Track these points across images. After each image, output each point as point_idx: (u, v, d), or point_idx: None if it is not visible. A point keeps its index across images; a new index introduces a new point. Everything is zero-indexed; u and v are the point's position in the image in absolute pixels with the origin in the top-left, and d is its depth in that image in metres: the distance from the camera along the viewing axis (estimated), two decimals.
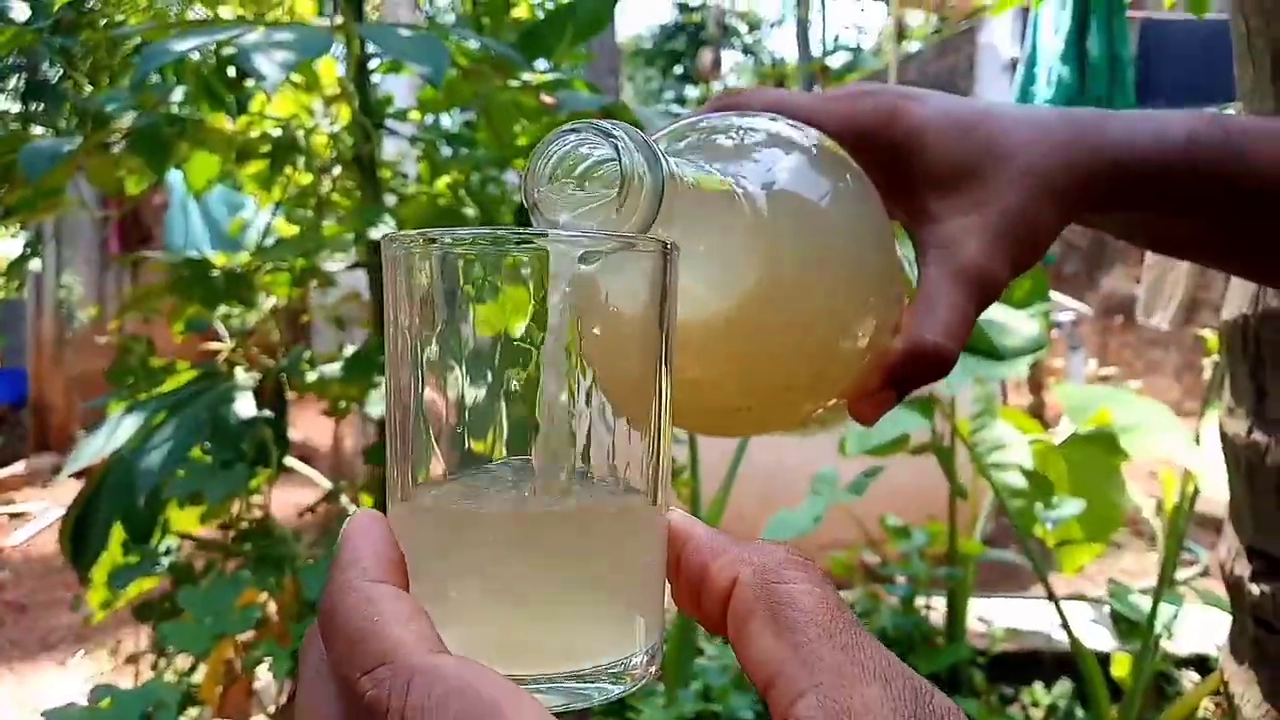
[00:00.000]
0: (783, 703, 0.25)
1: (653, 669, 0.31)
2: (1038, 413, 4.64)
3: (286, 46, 1.04)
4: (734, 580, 0.29)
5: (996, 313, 1.91)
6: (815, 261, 0.42)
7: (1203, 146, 0.47)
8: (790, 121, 0.46)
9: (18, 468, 5.19)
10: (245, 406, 1.21)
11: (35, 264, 5.24)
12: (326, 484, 1.47)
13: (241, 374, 1.28)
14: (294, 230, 1.65)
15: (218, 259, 1.28)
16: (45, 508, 4.66)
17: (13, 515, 4.55)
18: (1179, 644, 2.14)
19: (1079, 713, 1.94)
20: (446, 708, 0.23)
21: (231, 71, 1.44)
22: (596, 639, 0.30)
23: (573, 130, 0.35)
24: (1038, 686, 2.04)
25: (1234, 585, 1.03)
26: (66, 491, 5.00)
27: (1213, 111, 0.53)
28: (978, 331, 1.91)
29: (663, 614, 0.32)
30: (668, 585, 0.33)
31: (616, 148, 0.33)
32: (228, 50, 1.38)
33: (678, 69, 20.25)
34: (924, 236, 0.47)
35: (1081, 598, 2.49)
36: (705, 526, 0.32)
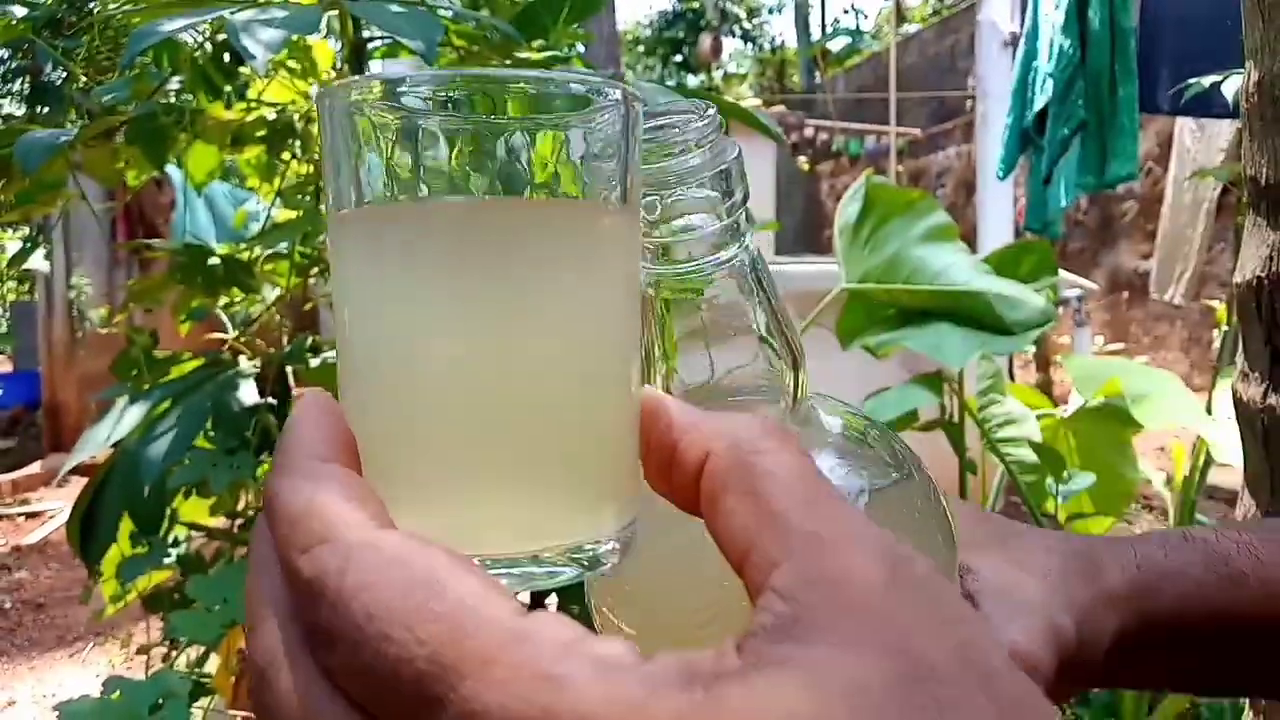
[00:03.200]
0: (758, 575, 0.23)
1: (624, 552, 0.29)
2: (1046, 389, 4.63)
3: (276, 25, 1.02)
4: (706, 453, 0.27)
5: (1003, 287, 1.90)
6: None
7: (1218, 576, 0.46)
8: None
9: (33, 468, 5.24)
10: (248, 394, 1.21)
11: (44, 265, 5.25)
12: None
13: (244, 362, 1.27)
14: (289, 215, 1.65)
15: (219, 247, 1.27)
16: (61, 507, 4.69)
17: (29, 515, 4.59)
18: None
19: (1092, 689, 1.93)
20: (386, 583, 0.22)
21: (228, 58, 1.43)
22: (561, 512, 0.28)
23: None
24: None
25: None
26: (69, 475, 5.01)
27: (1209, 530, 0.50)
28: (984, 306, 1.90)
29: (638, 494, 0.30)
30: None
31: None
32: (222, 36, 1.37)
33: (678, 57, 20.20)
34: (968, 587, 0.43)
35: None
36: (676, 401, 0.30)
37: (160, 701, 1.12)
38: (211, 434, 1.20)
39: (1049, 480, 2.02)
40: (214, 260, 1.21)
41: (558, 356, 0.27)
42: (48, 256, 5.12)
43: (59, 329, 5.69)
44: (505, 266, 0.26)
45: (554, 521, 0.28)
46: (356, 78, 0.28)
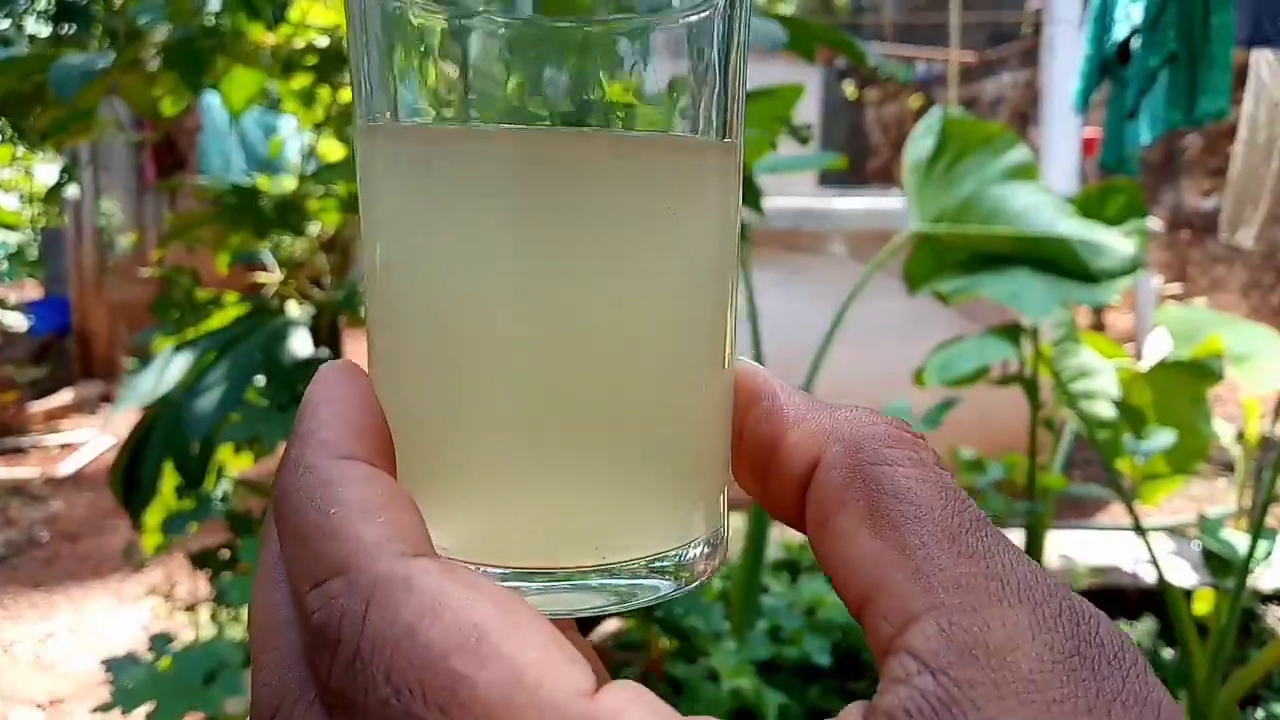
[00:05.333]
0: (887, 627, 0.19)
1: (715, 562, 0.24)
2: (1099, 331, 4.49)
3: None
4: (816, 458, 0.22)
5: (1089, 232, 1.78)
6: None
7: None
8: None
9: (65, 396, 5.24)
10: (301, 344, 1.13)
11: (74, 191, 5.22)
12: None
13: (294, 309, 1.19)
14: (339, 152, 1.55)
15: (264, 184, 1.18)
16: (93, 436, 4.71)
17: (62, 445, 4.61)
18: (1263, 579, 2.06)
19: (1166, 652, 1.86)
20: (417, 642, 0.17)
21: None
22: (641, 514, 0.22)
23: None
24: (1120, 624, 1.96)
25: None
26: (116, 419, 5.09)
27: None
28: (1068, 252, 1.78)
29: (727, 490, 0.24)
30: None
31: None
32: None
33: None
34: None
35: (1161, 529, 2.39)
36: (779, 381, 0.24)
37: (214, 670, 1.07)
38: (261, 387, 1.13)
39: (1125, 436, 1.93)
40: (262, 200, 1.12)
41: (641, 322, 0.22)
42: (76, 181, 5.08)
43: (88, 256, 5.67)
44: (579, 214, 0.21)
45: (632, 525, 0.23)
46: None
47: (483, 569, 0.22)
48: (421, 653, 0.17)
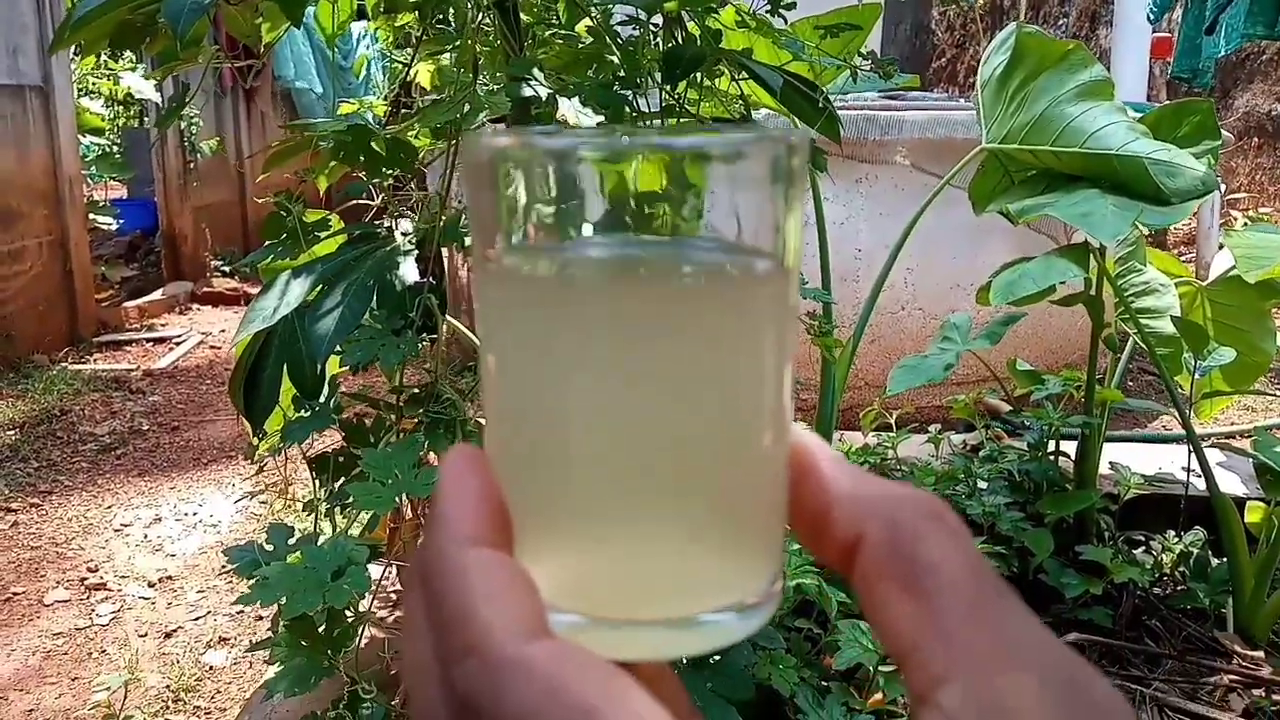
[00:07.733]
0: (921, 684, 0.23)
1: (776, 587, 0.28)
2: (1160, 244, 4.44)
3: None
4: (859, 534, 0.26)
5: (1161, 151, 1.78)
6: None
7: None
8: None
9: (156, 295, 5.45)
10: (409, 272, 1.21)
11: (155, 95, 5.29)
12: (476, 339, 1.48)
13: (399, 237, 1.27)
14: (425, 75, 1.61)
15: (377, 108, 1.24)
16: (185, 333, 4.92)
17: (156, 340, 4.82)
18: None
19: (1214, 561, 1.93)
20: (540, 716, 0.21)
21: None
22: (717, 570, 0.27)
23: None
24: (1170, 534, 2.03)
25: None
26: (204, 317, 5.31)
27: None
28: (1140, 172, 1.79)
29: (783, 541, 0.29)
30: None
31: None
32: None
33: None
34: None
35: (1213, 437, 2.44)
36: (827, 457, 0.28)
37: (342, 567, 1.18)
38: (375, 312, 1.22)
39: (1185, 354, 1.96)
40: (375, 139, 1.19)
41: (715, 418, 0.27)
42: (158, 87, 5.14)
43: (173, 160, 5.78)
44: (664, 337, 0.26)
45: (710, 578, 0.27)
46: (500, 130, 0.27)
47: (593, 620, 0.26)
48: None
